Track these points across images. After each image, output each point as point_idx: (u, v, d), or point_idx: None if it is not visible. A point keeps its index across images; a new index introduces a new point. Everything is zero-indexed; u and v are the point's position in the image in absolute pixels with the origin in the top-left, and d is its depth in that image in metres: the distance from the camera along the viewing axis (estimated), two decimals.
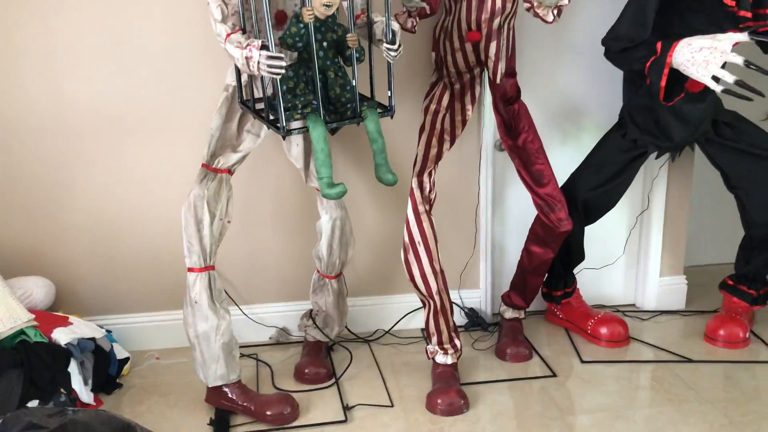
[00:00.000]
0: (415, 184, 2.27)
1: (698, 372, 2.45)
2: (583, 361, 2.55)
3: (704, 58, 1.92)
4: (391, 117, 2.08)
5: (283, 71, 1.78)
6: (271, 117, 1.98)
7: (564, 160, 2.60)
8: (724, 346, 2.61)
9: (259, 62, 1.75)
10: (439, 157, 2.32)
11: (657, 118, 2.34)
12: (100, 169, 2.51)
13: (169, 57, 2.42)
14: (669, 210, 2.84)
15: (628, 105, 2.44)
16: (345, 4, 1.96)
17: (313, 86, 1.94)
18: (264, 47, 1.77)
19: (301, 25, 1.85)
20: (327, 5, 1.85)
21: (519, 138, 2.39)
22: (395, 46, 1.93)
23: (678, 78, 2.05)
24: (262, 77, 1.86)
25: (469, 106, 2.36)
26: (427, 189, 2.29)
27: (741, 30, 2.09)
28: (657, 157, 2.59)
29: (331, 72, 1.96)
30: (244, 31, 1.89)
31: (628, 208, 2.86)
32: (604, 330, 2.65)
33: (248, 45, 1.78)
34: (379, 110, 2.05)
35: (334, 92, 1.97)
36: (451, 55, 2.27)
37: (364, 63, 2.03)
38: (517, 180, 2.51)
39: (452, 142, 2.36)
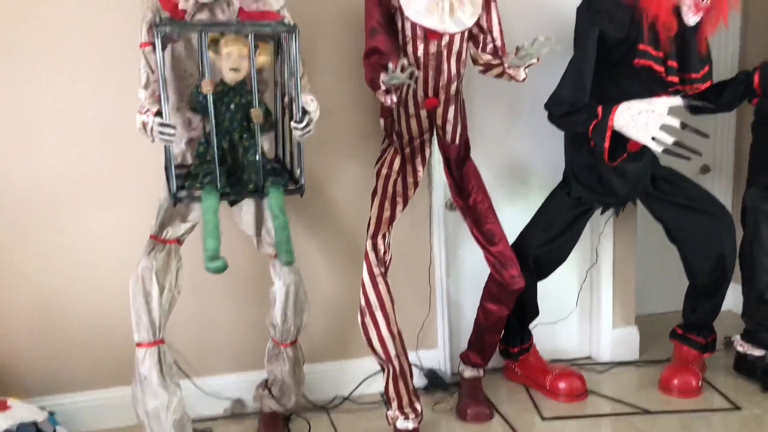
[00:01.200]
0: (369, 247, 2.28)
1: (656, 423, 2.47)
2: (543, 418, 2.54)
3: (644, 120, 2.03)
4: (301, 195, 2.07)
5: (173, 138, 1.82)
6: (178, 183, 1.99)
7: (513, 218, 2.66)
8: (678, 396, 2.64)
9: (152, 128, 1.78)
10: (392, 219, 2.34)
11: (599, 175, 2.43)
12: (41, 242, 2.43)
13: (114, 125, 2.39)
14: (617, 263, 2.92)
15: (571, 164, 2.53)
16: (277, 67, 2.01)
17: (223, 153, 1.96)
18: (158, 113, 1.80)
19: (201, 97, 1.89)
20: (234, 69, 1.90)
21: (469, 198, 2.44)
22: (301, 125, 1.95)
23: (619, 138, 2.15)
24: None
25: (420, 168, 2.41)
26: (382, 251, 2.29)
27: (671, 92, 2.22)
28: (602, 213, 2.67)
29: (237, 133, 1.98)
30: (166, 98, 1.91)
31: (578, 262, 2.92)
32: (562, 385, 2.66)
33: (147, 110, 1.81)
34: (291, 186, 2.05)
35: (239, 154, 1.98)
36: (405, 121, 2.31)
37: (286, 133, 2.07)
38: (470, 238, 2.54)
39: (405, 204, 2.39)
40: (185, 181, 2.00)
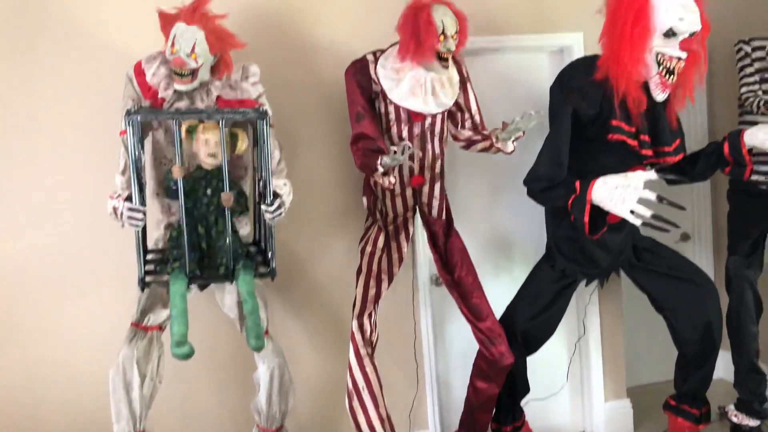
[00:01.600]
0: (355, 327, 2.25)
1: None
2: None
3: (621, 195, 2.06)
4: (272, 279, 2.07)
5: (140, 223, 1.85)
6: (148, 267, 1.99)
7: (499, 292, 2.65)
8: None
9: (122, 212, 1.82)
10: (378, 297, 2.33)
11: (581, 247, 2.44)
12: (19, 330, 2.37)
13: (96, 211, 2.35)
14: (605, 334, 2.90)
15: (554, 237, 2.55)
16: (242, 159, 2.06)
17: (198, 238, 1.98)
18: (128, 198, 1.85)
19: (172, 181, 1.92)
20: (212, 155, 1.94)
21: (454, 272, 2.44)
22: (272, 208, 1.97)
23: (599, 212, 2.18)
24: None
25: (404, 244, 2.42)
26: (368, 331, 2.26)
27: (645, 165, 2.27)
28: (587, 285, 2.67)
29: (212, 216, 1.99)
30: (137, 182, 1.95)
31: (566, 335, 2.90)
32: None
33: (119, 195, 1.86)
34: (262, 270, 2.05)
35: (214, 238, 1.99)
36: (390, 200, 2.34)
37: (261, 214, 2.08)
38: (457, 314, 2.53)
39: (390, 281, 2.38)
40: (159, 265, 1.99)
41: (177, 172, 1.88)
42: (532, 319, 2.51)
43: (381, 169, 2.07)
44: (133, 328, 2.03)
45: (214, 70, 2.08)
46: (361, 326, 2.25)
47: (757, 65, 2.64)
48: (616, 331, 2.93)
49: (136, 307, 2.04)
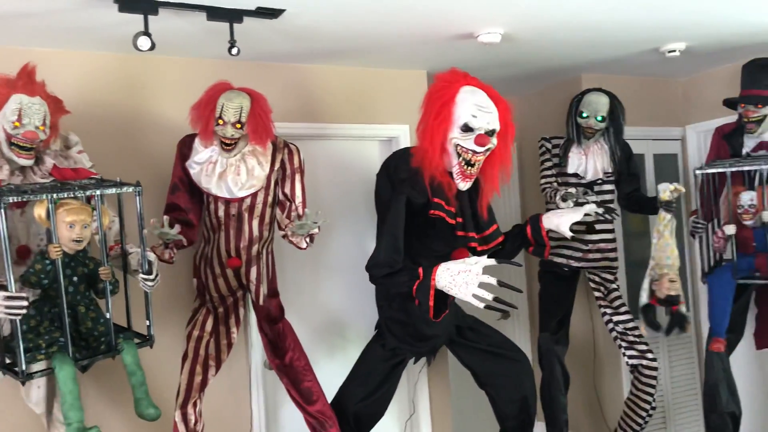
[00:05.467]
0: (178, 418, 2.13)
1: None
2: None
3: (464, 280, 2.15)
4: (151, 346, 2.01)
5: (23, 312, 1.70)
6: (8, 360, 1.82)
7: (333, 372, 2.65)
8: None
9: None
10: (204, 384, 2.24)
11: (412, 327, 2.53)
12: None
13: None
14: (434, 412, 2.99)
15: (385, 317, 2.62)
16: (97, 237, 1.93)
17: (60, 323, 1.83)
18: (2, 287, 1.68)
19: (47, 262, 1.79)
20: (77, 240, 1.83)
21: (285, 356, 2.41)
22: (151, 276, 1.93)
23: (440, 296, 2.24)
24: None
25: (234, 329, 2.36)
26: (193, 421, 2.16)
27: (470, 248, 2.45)
28: (415, 362, 2.75)
29: (82, 306, 1.89)
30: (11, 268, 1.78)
31: (397, 414, 2.95)
32: None
33: None
34: (137, 340, 1.98)
35: (85, 326, 1.88)
36: (212, 281, 2.29)
37: (120, 293, 1.99)
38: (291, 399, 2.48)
39: (218, 368, 2.30)
40: (26, 354, 1.78)
41: (54, 253, 1.75)
42: (363, 400, 2.53)
43: (161, 240, 2.09)
44: None
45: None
46: (184, 416, 2.14)
47: (554, 160, 3.01)
48: (445, 408, 3.03)
49: None
